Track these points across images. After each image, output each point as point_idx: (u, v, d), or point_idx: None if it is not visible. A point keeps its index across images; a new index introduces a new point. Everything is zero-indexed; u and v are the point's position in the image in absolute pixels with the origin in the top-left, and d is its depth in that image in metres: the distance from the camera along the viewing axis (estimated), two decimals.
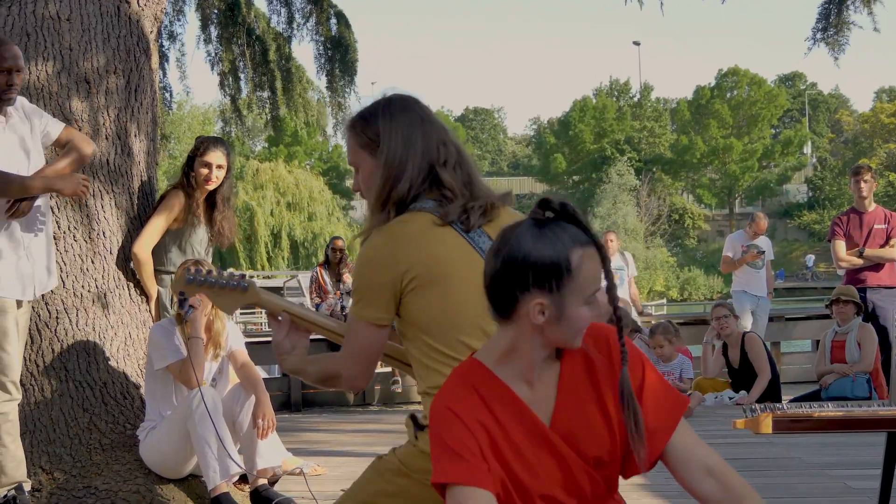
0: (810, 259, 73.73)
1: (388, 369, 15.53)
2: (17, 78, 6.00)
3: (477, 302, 3.32)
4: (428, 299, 3.54)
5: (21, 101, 6.27)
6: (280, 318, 3.96)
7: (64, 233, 6.93)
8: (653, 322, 14.10)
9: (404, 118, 3.76)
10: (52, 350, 6.80)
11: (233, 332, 7.10)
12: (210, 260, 7.48)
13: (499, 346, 3.08)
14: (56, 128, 6.38)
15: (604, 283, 3.04)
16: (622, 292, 15.08)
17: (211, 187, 7.44)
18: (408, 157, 3.69)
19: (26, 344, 6.67)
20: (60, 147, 6.44)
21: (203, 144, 7.47)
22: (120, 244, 7.21)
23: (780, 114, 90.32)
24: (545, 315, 2.97)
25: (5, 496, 6.16)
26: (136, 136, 7.38)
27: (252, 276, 42.08)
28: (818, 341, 12.88)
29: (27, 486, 6.21)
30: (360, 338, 3.62)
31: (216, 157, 7.38)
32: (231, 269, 3.89)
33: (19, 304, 6.17)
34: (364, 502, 3.65)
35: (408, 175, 3.67)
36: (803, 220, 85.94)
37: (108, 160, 7.14)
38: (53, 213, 6.87)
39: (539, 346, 3.05)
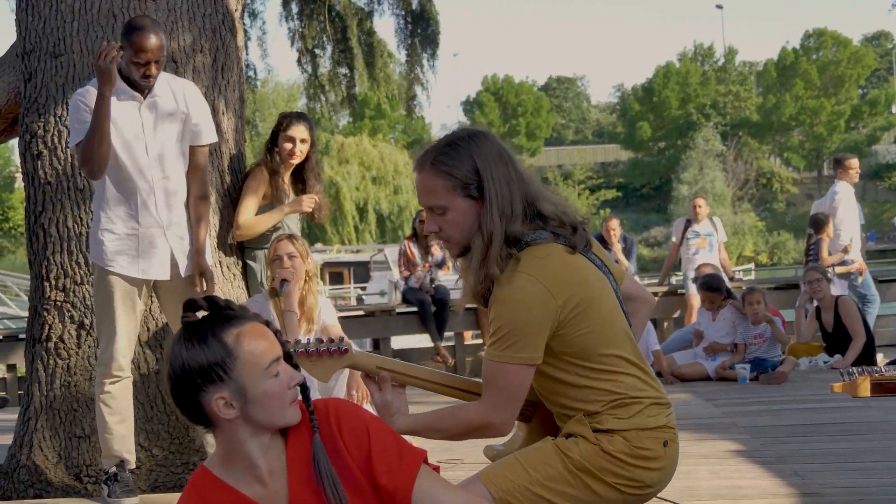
0: None
1: (480, 340, 15.55)
2: (156, 68, 6.00)
3: (619, 314, 3.65)
4: (583, 326, 3.59)
5: (186, 85, 6.34)
6: (378, 376, 3.90)
7: None
8: (744, 287, 13.99)
9: (494, 155, 3.72)
10: (148, 328, 6.86)
11: (325, 307, 7.14)
12: (299, 232, 7.52)
13: (218, 451, 3.16)
14: (208, 136, 6.42)
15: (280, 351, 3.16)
16: (712, 258, 14.98)
17: (295, 161, 7.48)
18: (511, 194, 3.67)
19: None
20: (191, 169, 6.41)
21: (285, 119, 7.51)
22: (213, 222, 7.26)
23: (867, 74, 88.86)
24: (234, 406, 3.04)
25: (107, 472, 6.25)
26: (223, 113, 7.41)
27: (340, 250, 42.20)
28: None
29: (129, 464, 6.27)
30: (514, 380, 3.60)
31: (299, 131, 7.42)
32: (324, 336, 3.77)
33: (142, 284, 6.26)
34: (542, 486, 3.60)
35: (517, 212, 3.66)
36: (893, 180, 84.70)
37: None
38: None
39: (250, 437, 3.11)
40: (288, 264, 6.77)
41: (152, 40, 5.86)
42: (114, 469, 6.24)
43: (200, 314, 3.16)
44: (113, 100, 5.89)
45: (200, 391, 3.04)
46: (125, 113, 6.05)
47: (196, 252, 6.25)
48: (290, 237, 6.95)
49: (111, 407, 6.13)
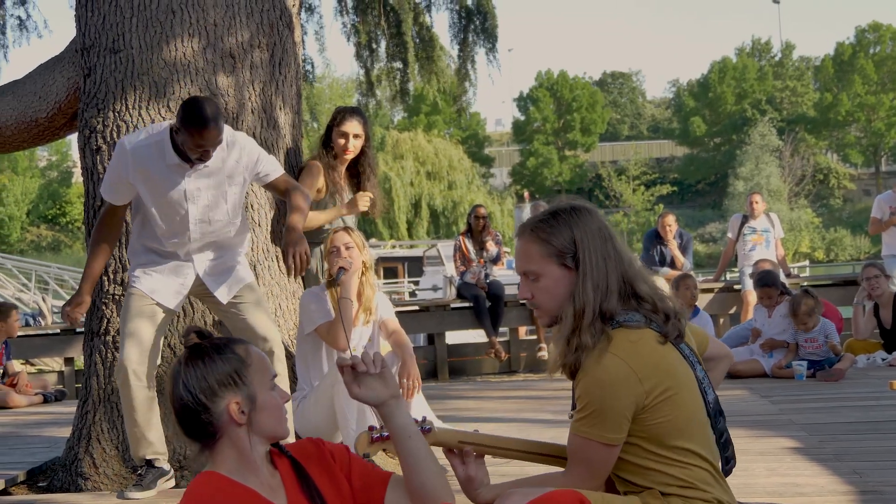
0: None
1: (535, 336, 15.54)
2: (213, 152, 5.97)
3: (699, 408, 3.70)
4: (664, 414, 3.62)
5: (232, 135, 6.24)
6: (461, 451, 3.90)
7: None
8: (803, 284, 13.91)
9: (594, 229, 3.75)
10: (205, 322, 6.90)
11: (382, 301, 7.16)
12: (355, 226, 7.53)
13: (222, 461, 3.33)
14: (275, 171, 6.38)
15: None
16: (769, 254, 14.88)
17: (349, 156, 7.50)
18: (607, 269, 3.70)
19: (178, 316, 6.78)
20: (279, 193, 6.49)
21: (339, 114, 7.54)
22: (268, 216, 7.29)
23: None
24: (245, 412, 3.28)
25: (136, 469, 6.41)
26: (281, 109, 7.44)
27: (394, 245, 42.28)
28: None
29: (158, 461, 6.38)
30: (598, 457, 3.65)
31: (352, 126, 7.44)
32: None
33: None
34: None
35: (613, 289, 3.70)
36: None
37: (254, 133, 7.20)
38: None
39: (256, 445, 3.34)
40: (345, 254, 6.79)
41: (212, 134, 5.81)
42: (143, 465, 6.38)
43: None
44: (160, 166, 5.99)
45: (216, 397, 3.28)
46: (170, 181, 6.06)
47: (288, 229, 6.21)
48: (347, 229, 6.98)
49: (128, 410, 6.22)
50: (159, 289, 6.24)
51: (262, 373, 3.35)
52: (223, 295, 6.33)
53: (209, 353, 3.33)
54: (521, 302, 13.87)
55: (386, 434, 3.79)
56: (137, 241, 6.29)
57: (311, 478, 3.39)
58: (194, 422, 3.31)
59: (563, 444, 3.85)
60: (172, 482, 6.44)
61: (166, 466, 6.42)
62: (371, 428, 3.85)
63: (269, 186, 6.45)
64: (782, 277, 13.05)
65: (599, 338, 3.63)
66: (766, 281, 11.74)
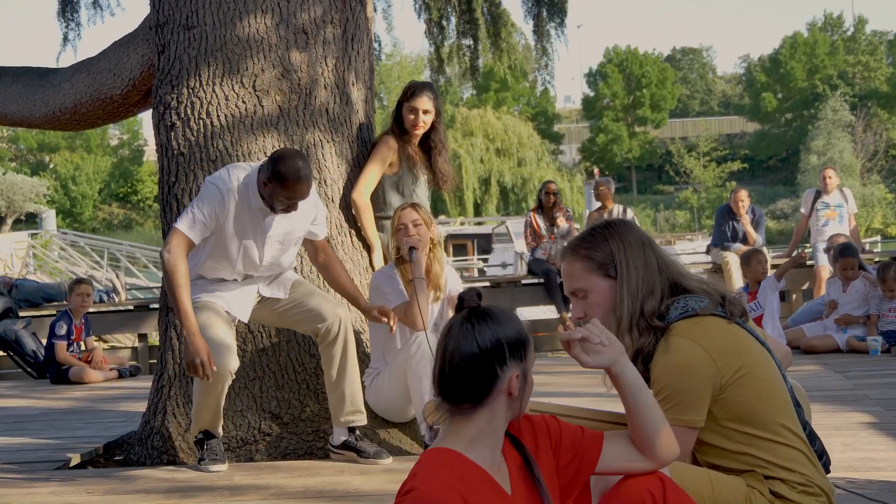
0: None
1: None
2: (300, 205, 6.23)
3: (781, 383, 3.72)
4: (744, 391, 3.63)
5: (315, 194, 6.50)
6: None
7: None
8: (876, 260, 13.76)
9: (631, 237, 3.83)
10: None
11: (451, 275, 7.15)
12: (428, 206, 7.53)
13: (464, 433, 3.22)
14: (322, 232, 6.64)
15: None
16: (842, 228, 14.74)
17: (419, 132, 7.49)
18: (648, 273, 3.77)
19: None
20: (315, 250, 6.72)
21: (410, 90, 7.52)
22: (341, 192, 7.31)
23: None
24: (518, 384, 3.20)
25: (196, 439, 6.52)
26: (353, 84, 7.46)
27: (464, 222, 42.31)
28: None
29: (217, 433, 6.52)
30: (680, 441, 3.59)
31: (422, 102, 7.43)
32: None
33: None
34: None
35: (657, 291, 3.75)
36: None
37: (327, 109, 7.23)
38: None
39: (506, 421, 3.27)
40: (413, 232, 6.79)
41: (305, 189, 6.08)
42: (200, 436, 6.49)
43: None
44: (245, 208, 6.20)
45: (504, 364, 3.19)
46: (252, 224, 6.27)
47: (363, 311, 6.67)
48: (414, 205, 6.96)
49: (213, 401, 6.34)
50: (231, 303, 6.43)
51: (532, 348, 3.30)
52: (280, 293, 6.57)
53: (491, 318, 3.24)
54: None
55: None
56: (197, 270, 6.38)
57: (534, 459, 3.33)
58: (472, 382, 3.19)
59: None
60: None
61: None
62: None
63: (309, 243, 6.71)
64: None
65: (649, 338, 3.71)
66: (847, 252, 11.64)
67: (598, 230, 3.86)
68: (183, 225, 6.06)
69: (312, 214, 6.46)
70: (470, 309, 3.29)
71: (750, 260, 11.81)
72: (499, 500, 3.17)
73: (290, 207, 6.13)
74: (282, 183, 5.96)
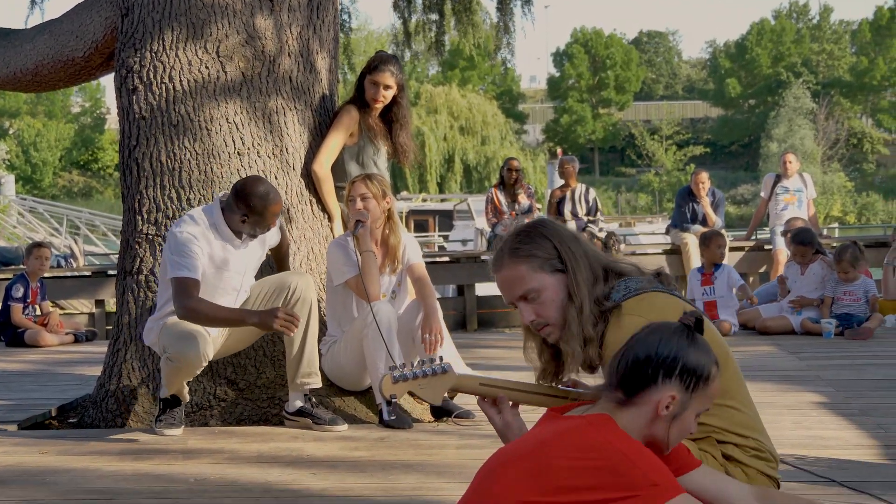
0: None
1: None
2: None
3: (730, 351, 3.79)
4: None
5: None
6: (497, 398, 3.83)
7: (248, 149, 7.06)
8: (834, 245, 13.86)
9: (561, 231, 3.86)
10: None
11: (410, 244, 7.14)
12: (388, 177, 7.54)
13: (635, 424, 3.25)
14: (275, 238, 6.83)
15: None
16: (801, 213, 14.86)
17: (379, 106, 7.49)
18: (589, 261, 3.80)
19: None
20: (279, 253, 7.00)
21: (373, 62, 7.49)
22: (303, 160, 7.32)
23: None
24: (669, 409, 3.19)
25: (164, 398, 6.51)
26: (317, 52, 7.46)
27: (426, 199, 42.26)
28: None
29: (184, 399, 6.56)
30: None
31: (384, 77, 7.41)
32: (430, 357, 3.74)
33: None
34: None
35: (599, 277, 3.79)
36: None
37: (290, 77, 7.23)
38: (238, 128, 7.02)
39: (643, 435, 3.24)
40: (360, 206, 6.79)
41: (279, 206, 6.38)
42: (168, 398, 6.50)
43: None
44: (218, 244, 6.38)
45: (668, 378, 3.21)
46: (224, 256, 6.43)
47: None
48: (366, 178, 6.94)
49: (181, 375, 6.39)
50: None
51: (706, 401, 3.28)
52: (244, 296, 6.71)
53: (695, 343, 3.26)
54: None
55: (409, 374, 3.79)
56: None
57: None
58: (633, 374, 3.24)
59: (588, 387, 3.86)
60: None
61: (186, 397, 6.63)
62: (392, 368, 3.85)
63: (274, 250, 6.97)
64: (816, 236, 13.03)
65: (601, 320, 3.73)
66: (802, 238, 11.72)
67: (529, 231, 3.85)
68: (183, 274, 6.17)
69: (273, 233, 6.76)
70: (687, 322, 3.32)
71: (709, 242, 11.86)
72: None
73: (266, 229, 6.43)
74: (264, 208, 6.23)
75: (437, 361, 3.82)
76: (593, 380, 3.70)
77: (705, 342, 3.27)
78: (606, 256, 3.89)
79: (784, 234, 13.56)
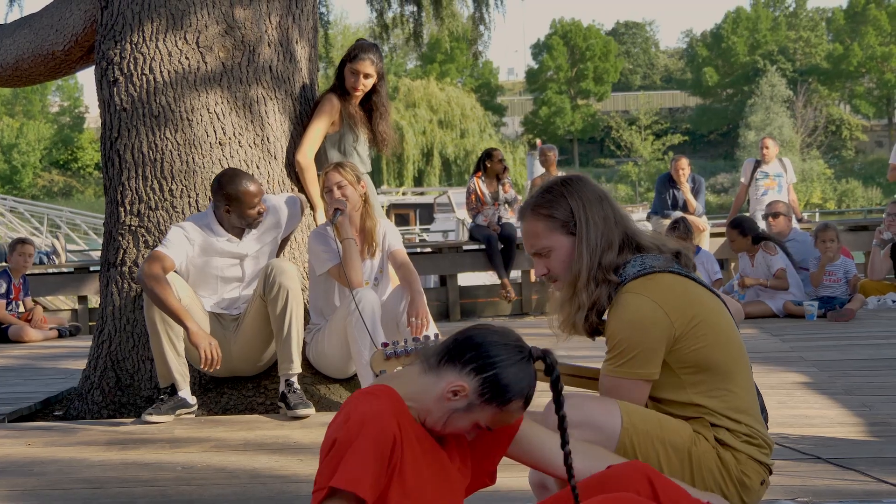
0: None
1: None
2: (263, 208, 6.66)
3: (734, 332, 3.76)
4: (699, 342, 3.67)
5: (272, 202, 6.89)
6: None
7: (230, 138, 7.06)
8: (814, 226, 13.92)
9: (588, 193, 3.86)
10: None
11: (390, 230, 7.14)
12: (369, 164, 7.56)
13: (411, 386, 3.26)
14: (295, 220, 7.16)
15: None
16: (781, 197, 14.88)
17: (359, 95, 7.50)
18: (606, 228, 3.80)
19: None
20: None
21: (354, 51, 7.49)
22: (284, 149, 7.32)
23: None
24: (455, 397, 3.19)
25: (165, 389, 6.56)
26: (297, 42, 7.46)
27: (406, 192, 42.26)
28: None
29: (180, 389, 6.56)
30: (630, 395, 3.70)
31: (364, 65, 7.41)
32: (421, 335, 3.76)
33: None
34: (662, 446, 3.66)
35: (615, 245, 3.79)
36: None
37: (270, 66, 7.24)
38: (219, 118, 7.02)
39: (432, 408, 3.23)
40: (338, 194, 6.79)
41: (258, 186, 6.60)
42: (167, 388, 6.58)
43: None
44: (212, 241, 6.62)
45: (464, 368, 3.19)
46: (225, 259, 6.71)
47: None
48: (337, 166, 6.94)
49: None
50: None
51: (492, 421, 3.25)
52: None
53: (527, 371, 3.24)
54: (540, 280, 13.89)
55: (401, 350, 3.83)
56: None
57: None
58: (448, 347, 3.25)
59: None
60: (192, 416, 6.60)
61: (191, 399, 6.58)
62: (385, 344, 3.89)
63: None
64: (794, 223, 13.07)
65: (604, 288, 3.75)
66: (732, 223, 11.81)
67: (556, 188, 3.88)
68: (165, 248, 6.41)
69: (273, 218, 6.89)
70: (535, 354, 3.31)
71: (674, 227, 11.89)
72: (420, 442, 3.21)
73: (258, 216, 6.59)
74: (242, 193, 6.46)
75: (431, 338, 3.86)
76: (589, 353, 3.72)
77: (532, 375, 3.24)
78: (632, 226, 3.90)
79: (765, 217, 13.58)
